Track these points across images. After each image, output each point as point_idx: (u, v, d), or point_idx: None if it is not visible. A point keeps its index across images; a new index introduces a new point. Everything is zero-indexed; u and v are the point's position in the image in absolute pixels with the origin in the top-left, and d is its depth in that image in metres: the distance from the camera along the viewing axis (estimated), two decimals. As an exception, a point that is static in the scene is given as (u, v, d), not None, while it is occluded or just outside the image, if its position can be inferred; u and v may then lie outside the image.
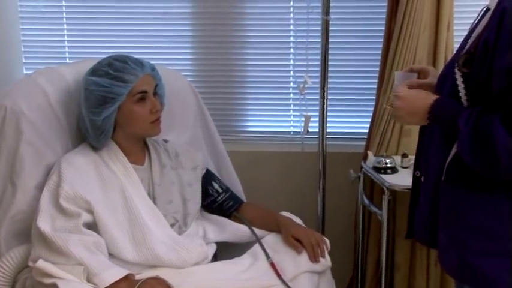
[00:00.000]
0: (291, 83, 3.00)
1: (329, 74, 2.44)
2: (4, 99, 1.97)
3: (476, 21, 1.55)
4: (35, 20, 3.04)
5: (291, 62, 2.97)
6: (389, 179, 2.37)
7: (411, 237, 1.83)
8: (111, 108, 1.89)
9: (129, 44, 2.97)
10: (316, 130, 2.52)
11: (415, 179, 1.77)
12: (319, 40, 2.42)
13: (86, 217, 1.83)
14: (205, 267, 1.94)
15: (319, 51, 2.43)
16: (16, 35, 3.04)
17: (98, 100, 1.89)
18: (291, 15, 2.93)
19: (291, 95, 3.02)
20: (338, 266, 2.16)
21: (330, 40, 2.42)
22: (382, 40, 2.67)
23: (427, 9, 2.52)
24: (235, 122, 3.08)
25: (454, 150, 1.52)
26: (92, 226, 1.85)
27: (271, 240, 2.02)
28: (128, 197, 1.91)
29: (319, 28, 2.42)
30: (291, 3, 2.92)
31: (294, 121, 3.04)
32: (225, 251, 2.13)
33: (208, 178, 2.18)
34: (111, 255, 1.85)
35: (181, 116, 2.30)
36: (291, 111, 3.04)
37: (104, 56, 1.99)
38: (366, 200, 2.63)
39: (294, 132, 3.05)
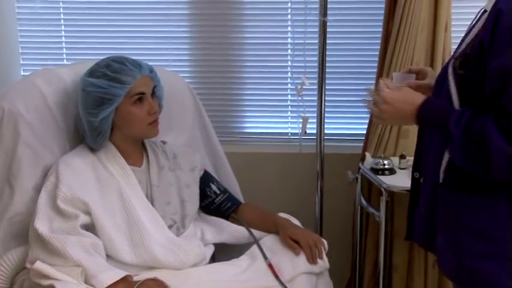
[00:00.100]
0: (289, 84, 3.01)
1: (327, 75, 2.44)
2: (1, 100, 1.97)
3: (474, 22, 1.55)
4: (32, 21, 3.04)
5: (289, 63, 2.97)
6: (387, 180, 2.38)
7: (410, 238, 1.82)
8: (109, 109, 1.88)
9: (127, 45, 2.97)
10: (314, 131, 2.52)
11: (414, 180, 1.77)
12: (317, 41, 2.43)
13: (83, 219, 1.83)
14: (203, 269, 1.94)
15: (317, 53, 2.43)
16: (14, 36, 3.04)
17: (96, 101, 1.89)
18: (289, 16, 2.94)
19: (289, 96, 3.02)
20: (336, 267, 2.16)
21: (328, 41, 2.42)
22: (379, 41, 2.67)
23: (424, 9, 2.53)
24: (233, 123, 3.08)
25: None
26: (90, 228, 1.84)
27: (269, 241, 2.02)
28: (125, 198, 1.91)
29: (317, 29, 2.42)
30: (289, 4, 2.92)
31: (291, 122, 3.04)
32: (223, 252, 2.12)
33: (206, 179, 2.17)
34: (108, 256, 1.84)
35: (179, 118, 2.30)
36: (289, 112, 3.04)
37: (102, 58, 1.99)
38: (363, 201, 2.63)
39: (291, 133, 3.05)
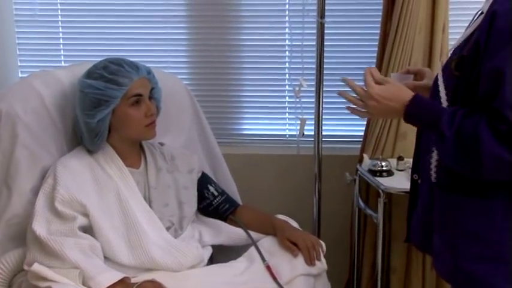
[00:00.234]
0: (287, 86, 3.01)
1: (325, 77, 2.44)
2: (-1, 102, 1.97)
3: (471, 24, 1.55)
4: (30, 23, 3.03)
5: (287, 65, 2.97)
6: (385, 181, 2.38)
7: (410, 240, 1.82)
8: (106, 110, 1.88)
9: (125, 47, 2.97)
10: (312, 133, 2.52)
11: (413, 182, 1.76)
12: (315, 43, 2.43)
13: (81, 220, 1.83)
14: (201, 271, 1.94)
15: (314, 54, 2.43)
16: (11, 38, 3.03)
17: (93, 103, 1.89)
18: (287, 18, 2.94)
19: (287, 98, 3.02)
20: (334, 268, 2.16)
21: (326, 43, 2.42)
22: (377, 43, 2.67)
23: (422, 10, 2.53)
24: (231, 125, 3.08)
25: None
26: (88, 229, 1.84)
27: (267, 243, 2.02)
28: (123, 200, 1.91)
29: (314, 31, 2.42)
30: (287, 6, 2.92)
31: (289, 124, 3.04)
32: (220, 254, 2.12)
33: (204, 181, 2.17)
34: (106, 258, 1.84)
35: (177, 119, 2.30)
36: (287, 114, 3.04)
37: (100, 59, 1.99)
38: (361, 203, 2.63)
39: (289, 135, 3.05)
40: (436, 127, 1.44)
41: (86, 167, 1.94)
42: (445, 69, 1.56)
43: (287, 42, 2.95)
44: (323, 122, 2.49)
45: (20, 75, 3.08)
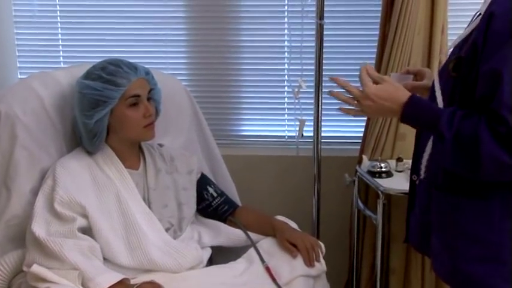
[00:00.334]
0: (286, 87, 3.01)
1: (323, 78, 2.44)
2: (-2, 103, 1.97)
3: (469, 25, 1.56)
4: (29, 24, 3.03)
5: (286, 66, 2.98)
6: (384, 183, 2.38)
7: (409, 241, 1.82)
8: (103, 111, 1.88)
9: (124, 48, 2.98)
10: (311, 134, 2.51)
11: (412, 183, 1.76)
12: (314, 44, 2.43)
13: (80, 222, 1.82)
14: (200, 272, 1.94)
15: (313, 55, 2.43)
16: (10, 39, 3.03)
17: (91, 103, 1.89)
18: (286, 19, 2.94)
19: (286, 99, 3.02)
20: (333, 270, 2.16)
21: (325, 44, 2.42)
22: (376, 44, 2.67)
23: (421, 11, 2.53)
24: (230, 126, 3.08)
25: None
26: (87, 231, 1.84)
27: (266, 244, 2.02)
28: (122, 201, 1.91)
29: (313, 32, 2.42)
30: (286, 7, 2.93)
31: (288, 125, 3.04)
32: (220, 255, 2.12)
33: (203, 182, 2.17)
34: (106, 259, 1.84)
35: (176, 120, 2.30)
36: (286, 115, 3.04)
37: (99, 61, 1.99)
38: (360, 204, 2.63)
39: (288, 136, 3.05)
40: (435, 128, 1.43)
41: (85, 168, 1.94)
42: (443, 70, 1.56)
43: (286, 43, 2.95)
44: (322, 123, 2.49)
45: (19, 76, 3.08)
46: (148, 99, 1.97)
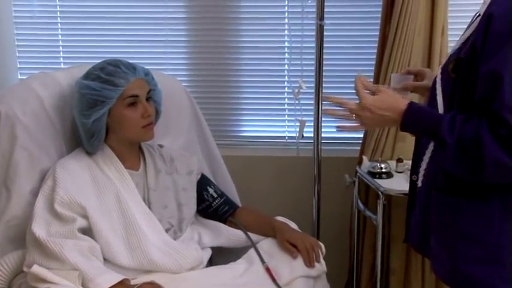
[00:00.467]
0: (286, 88, 3.01)
1: (324, 79, 2.44)
2: (-2, 104, 1.97)
3: (468, 26, 1.56)
4: (29, 25, 3.04)
5: (286, 67, 2.98)
6: (384, 183, 2.38)
7: (409, 241, 1.83)
8: (101, 111, 1.88)
9: (124, 49, 2.98)
10: (311, 135, 2.52)
11: (412, 183, 1.76)
12: (314, 45, 2.43)
13: (80, 222, 1.82)
14: (201, 272, 1.94)
15: (314, 56, 2.43)
16: (11, 40, 3.03)
17: (89, 103, 1.89)
18: (286, 20, 2.94)
19: (286, 99, 3.02)
20: (333, 270, 2.16)
21: (325, 45, 2.42)
22: (376, 45, 2.67)
23: (421, 12, 2.53)
24: (230, 127, 3.08)
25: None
26: (87, 231, 1.84)
27: (266, 245, 2.02)
28: (122, 201, 1.91)
29: (313, 33, 2.42)
30: (286, 8, 2.93)
31: (289, 126, 3.04)
32: (220, 256, 2.12)
33: (203, 183, 2.17)
34: (106, 260, 1.84)
35: (176, 121, 2.30)
36: (286, 116, 3.05)
37: (98, 61, 1.99)
38: (360, 205, 2.63)
39: (289, 137, 3.05)
40: (436, 134, 1.43)
41: (85, 168, 1.94)
42: (443, 71, 1.56)
43: (286, 44, 2.95)
44: (322, 124, 2.49)
45: (19, 77, 3.08)
46: (148, 100, 1.96)
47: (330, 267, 2.02)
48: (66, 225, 1.80)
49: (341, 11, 2.90)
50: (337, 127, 1.63)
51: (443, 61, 2.38)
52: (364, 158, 2.62)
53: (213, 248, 2.10)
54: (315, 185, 2.55)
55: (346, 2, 2.90)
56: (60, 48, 3.05)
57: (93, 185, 1.91)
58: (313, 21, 2.41)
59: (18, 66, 3.08)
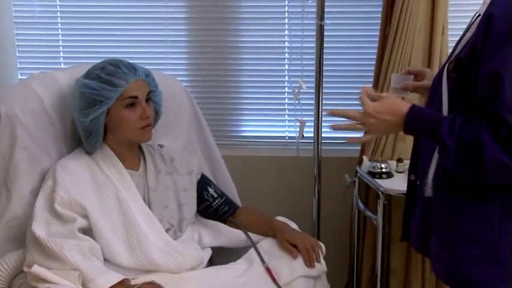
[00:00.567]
0: (286, 88, 3.01)
1: (324, 79, 2.44)
2: (-2, 104, 1.97)
3: (468, 26, 1.56)
4: (29, 25, 3.04)
5: (286, 67, 2.98)
6: (385, 183, 2.38)
7: (406, 239, 1.83)
8: (100, 110, 1.88)
9: (124, 49, 2.98)
10: (311, 135, 2.52)
11: (410, 182, 1.77)
12: (314, 45, 2.43)
13: (81, 222, 1.82)
14: (201, 272, 1.94)
15: (314, 56, 2.43)
16: (11, 40, 3.04)
17: (88, 102, 1.89)
18: (286, 20, 2.94)
19: (286, 99, 3.03)
20: (333, 270, 2.16)
21: (325, 45, 2.42)
22: (377, 45, 2.68)
23: (421, 12, 2.53)
24: (230, 127, 3.08)
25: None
26: (87, 231, 1.84)
27: (266, 245, 2.02)
28: (123, 201, 1.91)
29: (314, 33, 2.42)
30: (286, 8, 2.93)
31: (289, 126, 3.04)
32: (220, 255, 2.12)
33: (203, 183, 2.17)
34: (106, 260, 1.84)
35: (176, 121, 2.30)
36: (286, 116, 3.05)
37: (99, 61, 1.99)
38: (361, 205, 2.63)
39: (289, 137, 3.05)
40: (436, 136, 1.43)
41: (85, 168, 1.94)
42: (443, 71, 1.56)
43: (286, 44, 2.95)
44: (322, 124, 2.49)
45: (19, 76, 3.08)
46: (148, 101, 1.96)
47: (330, 267, 2.02)
48: (66, 225, 1.80)
49: (341, 11, 2.90)
50: (348, 141, 1.68)
51: (444, 61, 2.40)
52: (364, 158, 2.62)
53: (213, 248, 2.10)
54: (315, 185, 2.55)
55: (346, 2, 2.90)
56: (60, 48, 3.06)
57: (93, 185, 1.91)
58: (313, 21, 2.41)
59: (18, 66, 3.08)
